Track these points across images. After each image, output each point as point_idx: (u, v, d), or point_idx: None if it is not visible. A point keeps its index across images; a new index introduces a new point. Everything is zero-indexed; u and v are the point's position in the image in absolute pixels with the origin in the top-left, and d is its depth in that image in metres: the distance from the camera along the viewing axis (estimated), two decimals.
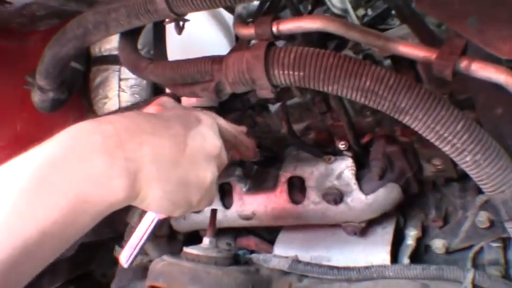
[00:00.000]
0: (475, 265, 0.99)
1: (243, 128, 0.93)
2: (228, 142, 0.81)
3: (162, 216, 0.82)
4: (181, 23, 0.90)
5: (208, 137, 0.73)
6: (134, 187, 0.58)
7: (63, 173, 0.51)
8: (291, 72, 0.72)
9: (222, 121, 0.82)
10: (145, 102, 1.31)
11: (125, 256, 0.84)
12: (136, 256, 0.85)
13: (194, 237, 1.29)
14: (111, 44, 1.33)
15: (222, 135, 0.78)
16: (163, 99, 0.81)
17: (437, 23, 0.95)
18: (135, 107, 1.29)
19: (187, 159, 0.67)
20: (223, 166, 0.79)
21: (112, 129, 0.58)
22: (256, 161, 1.14)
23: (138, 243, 0.84)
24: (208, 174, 0.71)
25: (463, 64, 0.67)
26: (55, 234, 0.50)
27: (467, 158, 0.67)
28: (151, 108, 0.78)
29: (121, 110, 1.36)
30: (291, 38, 0.92)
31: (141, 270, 1.45)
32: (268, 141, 1.18)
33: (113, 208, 0.56)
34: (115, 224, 1.48)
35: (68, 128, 0.57)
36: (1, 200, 0.47)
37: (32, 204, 0.48)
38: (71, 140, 0.55)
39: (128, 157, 0.57)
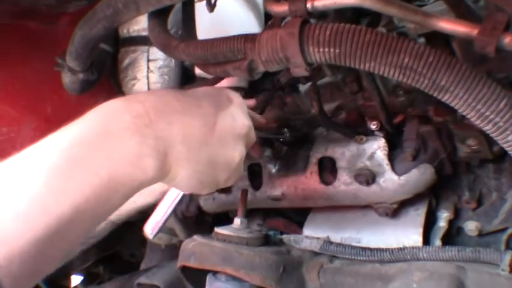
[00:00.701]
0: (509, 248, 0.97)
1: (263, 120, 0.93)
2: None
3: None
4: (212, 0, 0.89)
5: (238, 116, 0.74)
6: (164, 166, 0.59)
7: (94, 152, 0.52)
8: (326, 50, 0.70)
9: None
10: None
11: (150, 227, 0.85)
12: (161, 228, 0.85)
13: (222, 219, 1.29)
14: (140, 25, 1.32)
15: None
16: None
17: None
18: None
19: (217, 139, 0.67)
20: (251, 145, 0.79)
21: (142, 108, 0.58)
22: (286, 142, 1.14)
23: (163, 215, 0.85)
24: (236, 153, 0.71)
25: (507, 40, 0.64)
26: (87, 211, 0.50)
27: (510, 137, 0.65)
28: None
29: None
30: (321, 15, 0.90)
31: (169, 250, 1.47)
32: (298, 122, 1.17)
33: (143, 187, 0.57)
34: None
35: (97, 106, 0.57)
36: (34, 178, 0.47)
37: (65, 183, 0.49)
38: (101, 119, 0.55)
39: (157, 136, 0.57)
